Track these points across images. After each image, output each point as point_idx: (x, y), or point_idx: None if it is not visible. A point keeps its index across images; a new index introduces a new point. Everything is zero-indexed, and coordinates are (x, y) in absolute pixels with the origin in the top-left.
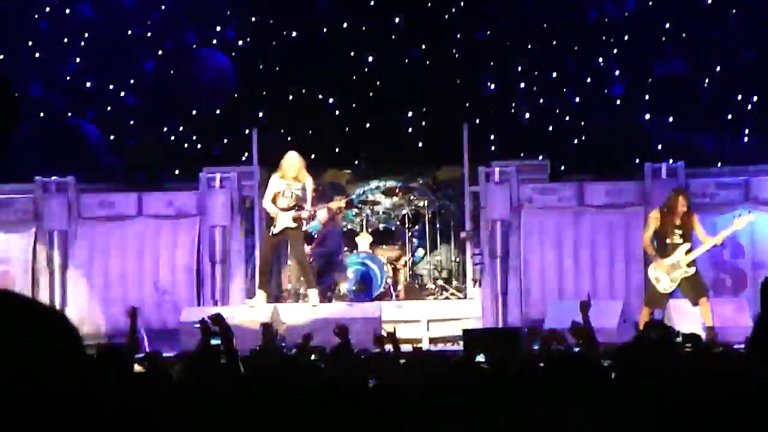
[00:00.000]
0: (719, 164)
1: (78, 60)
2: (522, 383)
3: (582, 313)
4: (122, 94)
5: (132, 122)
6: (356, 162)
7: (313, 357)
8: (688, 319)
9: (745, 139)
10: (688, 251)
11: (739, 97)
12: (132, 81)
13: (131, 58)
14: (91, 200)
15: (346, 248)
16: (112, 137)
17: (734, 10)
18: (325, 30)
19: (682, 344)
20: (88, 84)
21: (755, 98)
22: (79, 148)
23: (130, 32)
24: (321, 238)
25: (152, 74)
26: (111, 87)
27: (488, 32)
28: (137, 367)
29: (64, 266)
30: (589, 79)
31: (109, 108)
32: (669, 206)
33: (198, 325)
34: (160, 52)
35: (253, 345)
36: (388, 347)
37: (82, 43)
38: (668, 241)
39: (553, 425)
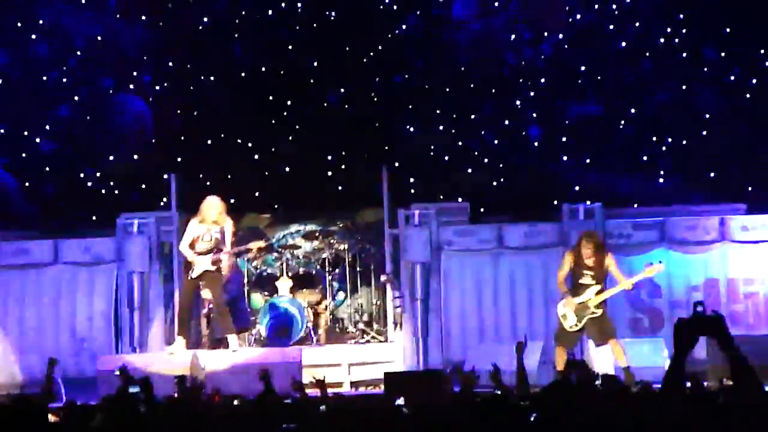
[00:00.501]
0: (636, 205)
1: None
2: (445, 427)
3: (517, 354)
4: (37, 140)
5: (47, 168)
6: (275, 206)
7: (236, 403)
8: (606, 358)
9: (661, 180)
10: (599, 292)
11: (654, 138)
12: (47, 127)
13: (46, 103)
14: (6, 248)
15: (266, 292)
16: (27, 184)
17: (648, 54)
18: (242, 74)
19: (601, 386)
20: (2, 130)
21: (670, 140)
22: None
23: (44, 78)
24: (223, 284)
25: (68, 120)
26: (25, 133)
27: (406, 75)
28: (52, 417)
29: None
30: (506, 121)
31: (23, 154)
32: (577, 247)
33: (118, 374)
34: (75, 98)
35: (171, 393)
36: (311, 391)
37: None
38: (580, 281)
39: None
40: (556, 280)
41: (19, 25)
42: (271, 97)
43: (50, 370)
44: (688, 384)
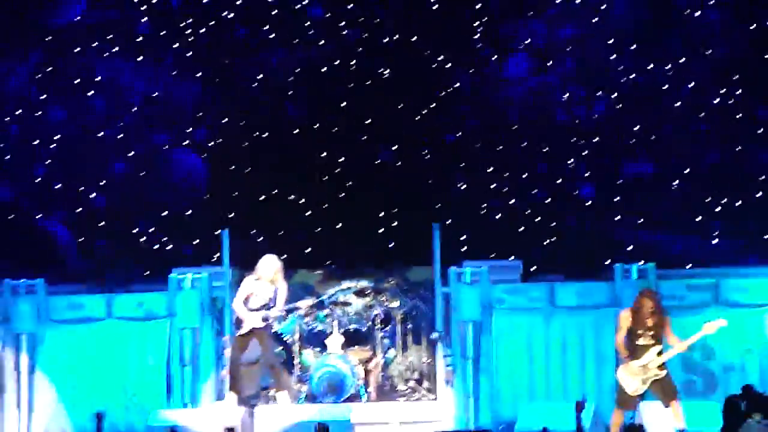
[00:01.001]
0: (689, 266)
1: (48, 161)
2: None
3: (576, 413)
4: (92, 195)
5: (101, 223)
6: (327, 263)
7: None
8: (660, 421)
9: (715, 240)
10: (660, 353)
11: (708, 198)
12: (102, 182)
13: (101, 159)
14: (60, 302)
15: (317, 349)
16: (81, 239)
17: (702, 114)
18: (296, 131)
19: None
20: (58, 185)
21: (724, 200)
22: (49, 250)
23: (100, 134)
24: (247, 344)
25: (122, 175)
26: (81, 188)
27: (458, 133)
28: None
29: (32, 369)
30: (559, 180)
31: (78, 209)
32: (637, 306)
33: None
34: (130, 153)
35: None
36: None
37: (52, 145)
38: (639, 342)
39: None
40: (615, 342)
41: (76, 81)
42: (324, 154)
43: (99, 424)
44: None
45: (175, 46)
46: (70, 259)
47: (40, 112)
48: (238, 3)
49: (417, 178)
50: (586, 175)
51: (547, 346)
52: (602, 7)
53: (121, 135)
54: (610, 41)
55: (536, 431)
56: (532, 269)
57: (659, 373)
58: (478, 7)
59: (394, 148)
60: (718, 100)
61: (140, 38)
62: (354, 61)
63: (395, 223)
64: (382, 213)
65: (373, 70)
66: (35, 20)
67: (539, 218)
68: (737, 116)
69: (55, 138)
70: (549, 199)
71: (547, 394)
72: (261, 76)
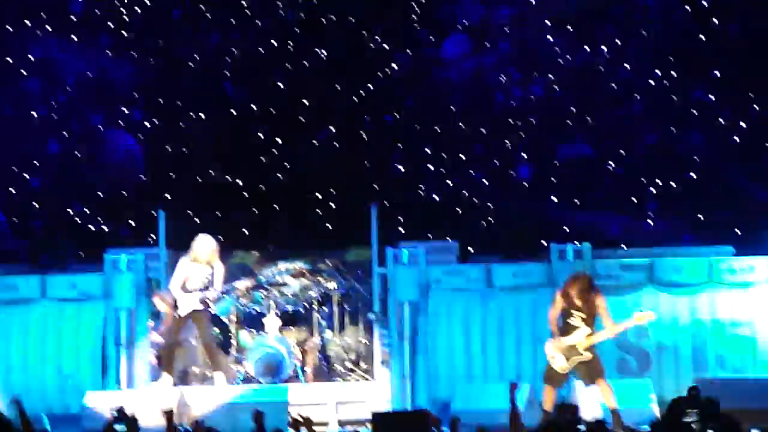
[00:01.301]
0: (624, 246)
1: None
2: None
3: (510, 395)
4: (26, 175)
5: (36, 204)
6: (264, 244)
7: None
8: (594, 399)
9: (650, 221)
10: (589, 335)
11: (643, 180)
12: (36, 163)
13: (36, 139)
14: None
15: (253, 330)
16: (15, 219)
17: (638, 96)
18: (233, 112)
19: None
20: None
21: (659, 181)
22: None
23: (35, 114)
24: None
25: (57, 155)
26: (14, 168)
27: (396, 114)
28: None
29: None
30: (496, 161)
31: (12, 190)
32: (566, 288)
33: (115, 413)
34: (65, 134)
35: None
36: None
37: None
38: (570, 321)
39: None
40: (547, 318)
41: (9, 60)
42: (261, 135)
43: (20, 409)
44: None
45: (110, 25)
46: (4, 239)
47: None
48: None
49: (354, 159)
50: (524, 156)
51: (484, 327)
52: None
53: (55, 115)
54: (548, 22)
55: (473, 411)
56: (469, 250)
57: (585, 356)
58: None
59: (331, 130)
60: (654, 82)
61: (75, 18)
62: (291, 43)
63: (332, 204)
64: (320, 194)
65: (311, 51)
66: None
67: (476, 199)
68: (673, 98)
69: None
70: (486, 181)
71: (483, 375)
72: (198, 57)
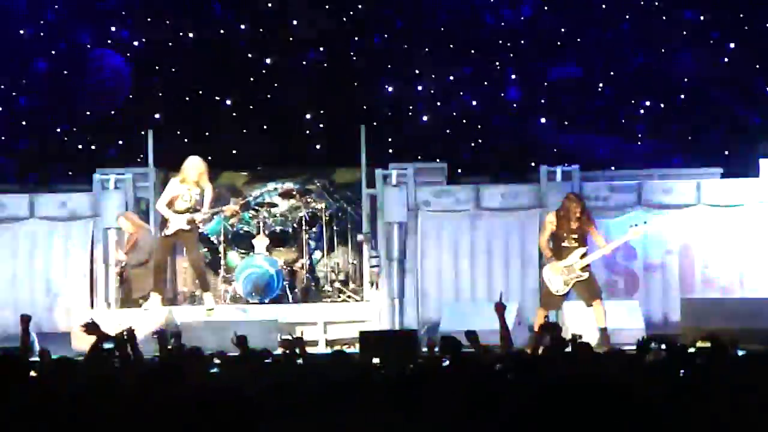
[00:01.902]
0: (613, 168)
1: None
2: (418, 386)
3: (498, 314)
4: (14, 94)
5: (24, 123)
6: (253, 164)
7: (216, 361)
8: (583, 321)
9: (639, 143)
10: (583, 255)
11: (633, 101)
12: (24, 81)
13: (23, 58)
14: None
15: (242, 250)
16: (2, 138)
17: (627, 16)
18: (221, 31)
19: (572, 349)
20: None
21: (648, 103)
22: None
23: (22, 32)
24: (134, 242)
25: (45, 75)
26: (1, 87)
27: (385, 35)
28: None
29: None
30: (485, 83)
31: (0, 108)
32: (563, 211)
33: (84, 328)
34: (53, 52)
35: (148, 348)
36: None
37: None
38: (564, 244)
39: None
40: (538, 242)
41: None
42: (250, 55)
43: (25, 326)
44: (663, 346)
45: None
46: None
47: None
48: None
49: (344, 80)
50: (513, 77)
51: (473, 248)
52: None
53: (42, 33)
54: None
55: (461, 332)
56: (458, 171)
57: (582, 275)
58: None
59: (321, 49)
60: (642, 2)
61: None
62: None
63: (321, 125)
64: (309, 115)
65: None
66: None
67: (465, 120)
68: (663, 18)
69: None
70: (475, 102)
71: (472, 295)
72: None
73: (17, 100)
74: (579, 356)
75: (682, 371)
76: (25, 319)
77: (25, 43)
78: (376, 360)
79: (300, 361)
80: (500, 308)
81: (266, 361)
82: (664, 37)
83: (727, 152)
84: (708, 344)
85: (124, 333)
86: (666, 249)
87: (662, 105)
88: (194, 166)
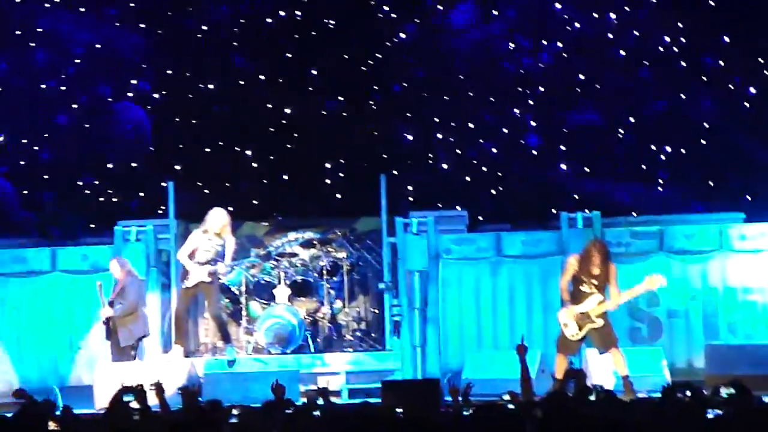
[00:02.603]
0: (634, 214)
1: None
2: None
3: (519, 357)
4: (36, 148)
5: (46, 177)
6: (273, 214)
7: (235, 412)
8: (604, 367)
9: (660, 188)
10: (600, 303)
11: (653, 147)
12: (45, 135)
13: (45, 112)
14: (4, 256)
15: (263, 300)
16: (25, 192)
17: (646, 62)
18: (241, 82)
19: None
20: (0, 138)
21: (668, 148)
22: None
23: (43, 86)
24: (121, 289)
25: (66, 127)
26: (24, 141)
27: (405, 84)
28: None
29: None
30: (505, 130)
31: (22, 162)
32: (585, 254)
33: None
34: (74, 106)
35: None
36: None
37: None
38: (582, 288)
39: None
40: (559, 286)
41: (18, 32)
42: (269, 105)
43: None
44: (688, 393)
45: None
46: (14, 212)
47: None
48: None
49: (363, 129)
50: (532, 124)
51: (494, 296)
52: None
53: (64, 87)
54: None
55: (483, 380)
56: (478, 219)
57: (597, 322)
58: None
59: (340, 99)
60: (662, 48)
61: None
62: (299, 12)
63: (342, 174)
64: (329, 164)
65: (319, 20)
66: None
67: (485, 168)
68: (682, 64)
69: None
70: (495, 149)
71: (494, 343)
72: (206, 27)
73: (39, 154)
74: (604, 403)
75: (708, 417)
76: (20, 395)
77: (47, 97)
78: (399, 409)
79: (317, 412)
80: (522, 350)
81: (287, 411)
82: (684, 82)
83: (749, 196)
84: (733, 391)
85: (152, 386)
86: (690, 295)
87: (683, 150)
88: (218, 217)
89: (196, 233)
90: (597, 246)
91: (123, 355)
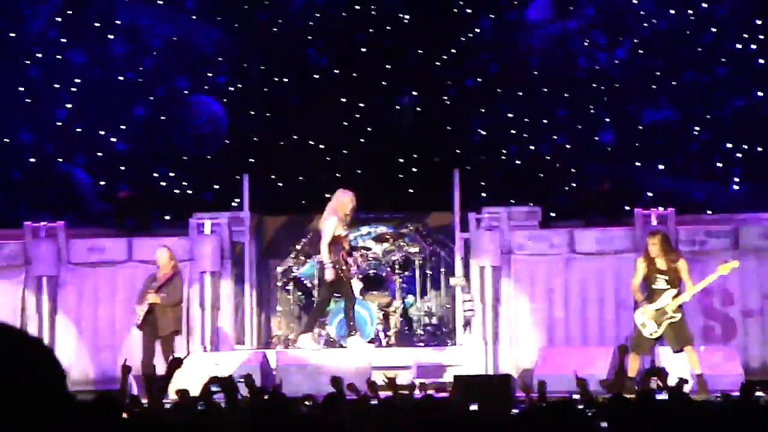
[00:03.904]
0: (709, 212)
1: (69, 105)
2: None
3: (619, 356)
4: (113, 139)
5: (122, 168)
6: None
7: (306, 403)
8: (678, 365)
9: (735, 186)
10: (675, 296)
11: (729, 145)
12: (122, 127)
13: (122, 103)
14: (81, 246)
15: (337, 294)
16: (102, 183)
17: (723, 59)
18: (316, 76)
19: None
20: (79, 129)
21: (745, 146)
22: (69, 194)
23: (121, 78)
24: (171, 279)
25: (143, 120)
26: (101, 133)
27: (479, 79)
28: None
29: (53, 312)
30: (579, 126)
31: (99, 154)
32: (646, 251)
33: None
34: (150, 98)
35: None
36: (383, 393)
37: (73, 89)
38: (654, 286)
39: None
40: (631, 287)
41: (96, 25)
42: (344, 99)
43: (125, 376)
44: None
45: None
46: (90, 202)
47: (60, 56)
48: None
49: (437, 124)
50: (607, 121)
51: (567, 292)
52: None
53: (141, 79)
54: None
55: (555, 377)
56: (551, 215)
57: (674, 316)
58: None
59: (414, 94)
60: (739, 46)
61: None
62: (374, 6)
63: (415, 169)
64: (402, 158)
65: (394, 14)
66: None
67: (559, 164)
68: (759, 61)
69: (75, 82)
70: (569, 145)
71: (566, 341)
72: (281, 20)
73: (116, 145)
74: (681, 403)
75: None
76: (126, 370)
77: (124, 90)
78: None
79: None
80: (623, 350)
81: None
82: (761, 80)
83: None
84: None
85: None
86: (765, 294)
87: (759, 148)
88: (353, 201)
89: (333, 221)
90: (653, 238)
91: (157, 344)
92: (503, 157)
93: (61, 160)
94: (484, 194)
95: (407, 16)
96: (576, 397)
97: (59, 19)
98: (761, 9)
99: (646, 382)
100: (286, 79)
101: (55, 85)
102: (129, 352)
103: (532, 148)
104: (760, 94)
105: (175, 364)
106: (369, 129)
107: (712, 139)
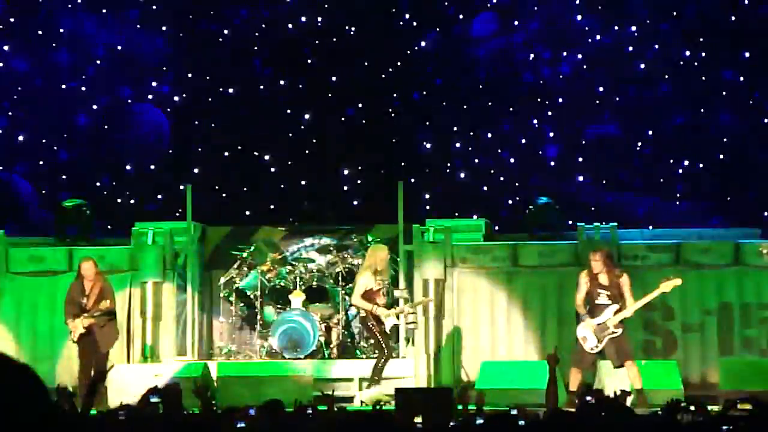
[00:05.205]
0: (651, 227)
1: (10, 113)
2: None
3: (549, 367)
4: (55, 147)
5: (64, 176)
6: (291, 219)
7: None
8: (618, 380)
9: (677, 202)
10: (617, 312)
11: (671, 160)
12: (65, 135)
13: (65, 112)
14: (21, 255)
15: (278, 305)
16: (43, 191)
17: (666, 76)
18: (261, 87)
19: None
20: (21, 138)
21: (686, 162)
22: (10, 202)
23: (64, 86)
24: (99, 293)
25: (85, 128)
26: (43, 141)
27: (424, 92)
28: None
29: None
30: (523, 140)
31: (41, 162)
32: (589, 267)
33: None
34: (94, 107)
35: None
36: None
37: (15, 97)
38: (597, 301)
39: None
40: (574, 302)
41: (40, 33)
42: (289, 111)
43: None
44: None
45: None
46: (32, 211)
47: (2, 64)
48: None
49: (382, 136)
50: (551, 135)
51: (509, 306)
52: None
53: (85, 88)
54: (577, 1)
55: (497, 390)
56: (495, 228)
57: (616, 331)
58: None
59: (360, 106)
60: (682, 62)
61: None
62: (320, 18)
63: (359, 181)
64: (347, 171)
65: (340, 27)
66: None
67: (503, 177)
68: (702, 78)
69: (18, 90)
70: (513, 159)
71: (508, 353)
72: (227, 31)
73: (58, 153)
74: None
75: None
76: (61, 392)
77: (67, 98)
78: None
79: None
80: (553, 360)
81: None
82: (704, 96)
83: (766, 213)
84: (748, 406)
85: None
86: (705, 309)
87: (701, 164)
88: (385, 254)
89: (367, 276)
90: (595, 255)
91: (101, 362)
92: (448, 170)
93: (1, 168)
94: (428, 207)
95: (353, 29)
96: (514, 412)
97: (1, 27)
98: (704, 26)
99: (581, 397)
100: (231, 90)
101: None
102: (67, 363)
103: (476, 161)
104: (702, 110)
105: (98, 378)
106: (314, 141)
107: (655, 154)
